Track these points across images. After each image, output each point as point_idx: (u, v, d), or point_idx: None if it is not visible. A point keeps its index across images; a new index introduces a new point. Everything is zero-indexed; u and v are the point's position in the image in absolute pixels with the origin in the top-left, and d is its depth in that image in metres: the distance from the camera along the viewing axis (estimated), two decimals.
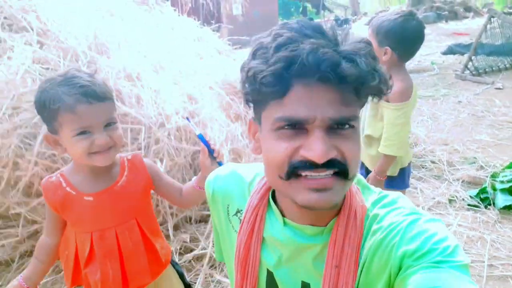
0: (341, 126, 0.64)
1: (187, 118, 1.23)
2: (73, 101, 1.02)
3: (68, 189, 1.14)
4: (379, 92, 0.66)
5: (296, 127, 0.63)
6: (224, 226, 0.89)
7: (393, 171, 1.98)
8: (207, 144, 1.16)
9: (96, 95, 1.04)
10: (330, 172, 0.63)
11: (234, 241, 0.83)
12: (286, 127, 0.64)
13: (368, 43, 0.64)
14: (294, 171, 0.64)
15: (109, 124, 1.09)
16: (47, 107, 1.03)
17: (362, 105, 0.70)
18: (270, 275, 0.80)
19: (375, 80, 0.62)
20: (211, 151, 1.20)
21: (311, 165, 0.62)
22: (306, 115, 0.61)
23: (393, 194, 0.76)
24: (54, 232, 1.22)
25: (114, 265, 1.15)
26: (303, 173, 0.64)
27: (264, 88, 0.62)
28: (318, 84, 0.60)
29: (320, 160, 0.61)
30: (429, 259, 0.62)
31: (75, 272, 1.19)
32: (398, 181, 2.03)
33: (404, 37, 1.76)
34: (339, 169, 0.64)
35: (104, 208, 1.15)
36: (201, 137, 1.13)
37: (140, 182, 1.21)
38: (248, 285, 0.80)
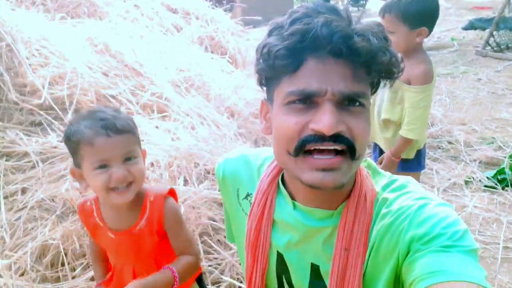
0: (351, 103, 0.65)
1: None
2: (92, 134, 1.02)
3: (97, 219, 1.16)
4: (390, 74, 0.67)
5: (307, 102, 0.64)
6: (234, 209, 0.91)
7: (410, 154, 1.97)
8: None
9: (115, 128, 1.04)
10: (337, 147, 0.64)
11: (245, 224, 0.85)
12: (297, 102, 0.65)
13: (380, 25, 0.66)
14: (302, 145, 0.65)
15: (129, 158, 1.06)
16: (71, 140, 1.05)
17: (374, 89, 0.71)
18: (280, 257, 0.82)
19: (386, 57, 0.63)
20: None
21: (320, 138, 0.63)
22: (318, 87, 0.62)
23: (403, 179, 0.77)
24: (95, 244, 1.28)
25: None
26: (312, 148, 0.64)
27: (277, 61, 0.64)
28: (330, 57, 0.62)
29: (328, 131, 0.62)
30: (438, 243, 0.62)
31: None
32: (414, 163, 2.01)
33: (436, 14, 1.76)
34: (347, 145, 0.64)
35: (123, 248, 1.16)
36: None
37: (155, 226, 1.17)
38: (259, 266, 0.83)
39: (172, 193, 1.21)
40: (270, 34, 0.67)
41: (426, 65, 1.77)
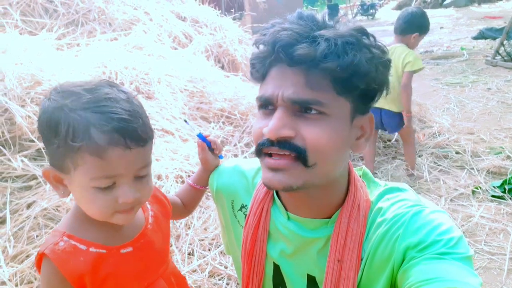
0: (307, 110, 0.65)
1: (185, 121, 1.25)
2: (106, 142, 0.67)
3: (92, 249, 0.77)
4: (354, 88, 0.64)
5: (269, 107, 0.68)
6: (230, 221, 0.91)
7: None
8: (206, 140, 1.03)
9: (137, 137, 0.70)
10: (285, 152, 0.65)
11: (240, 235, 0.85)
12: (263, 107, 0.69)
13: (359, 31, 0.64)
14: (259, 148, 0.68)
15: (142, 175, 0.76)
16: (61, 135, 0.68)
17: (370, 101, 0.69)
18: (276, 267, 0.81)
19: (334, 64, 0.60)
20: (209, 145, 1.02)
21: (270, 142, 0.65)
22: (271, 93, 0.66)
23: (398, 186, 0.76)
24: None
25: None
26: (267, 151, 0.67)
27: (252, 70, 0.71)
28: (287, 67, 0.64)
29: (270, 136, 0.64)
30: (433, 251, 0.62)
31: None
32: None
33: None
34: (296, 153, 0.64)
35: (146, 256, 0.84)
36: (200, 136, 1.09)
37: (164, 213, 0.95)
38: (255, 276, 0.82)
39: None
40: (256, 43, 0.70)
41: None
